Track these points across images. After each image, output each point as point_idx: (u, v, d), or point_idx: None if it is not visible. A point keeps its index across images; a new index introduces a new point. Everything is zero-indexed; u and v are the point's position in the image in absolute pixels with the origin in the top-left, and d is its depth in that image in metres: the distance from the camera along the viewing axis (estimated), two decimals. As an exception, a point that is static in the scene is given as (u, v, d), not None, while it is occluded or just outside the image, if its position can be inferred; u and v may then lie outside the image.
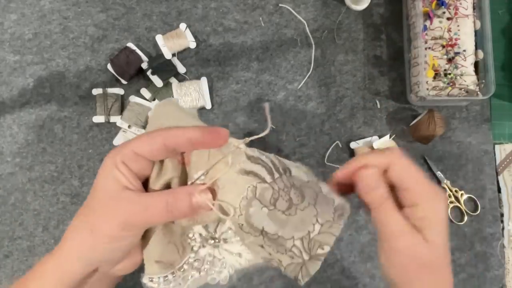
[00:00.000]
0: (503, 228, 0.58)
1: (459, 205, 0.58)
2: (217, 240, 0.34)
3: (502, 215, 0.59)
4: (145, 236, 0.34)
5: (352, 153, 0.58)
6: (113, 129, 0.57)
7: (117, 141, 0.56)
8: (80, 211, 0.34)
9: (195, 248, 0.34)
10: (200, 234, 0.34)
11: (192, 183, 0.33)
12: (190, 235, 0.34)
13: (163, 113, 0.35)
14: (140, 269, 0.34)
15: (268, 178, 0.31)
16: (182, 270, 0.34)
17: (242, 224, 0.31)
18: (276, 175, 0.32)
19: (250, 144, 0.33)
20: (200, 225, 0.33)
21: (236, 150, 0.32)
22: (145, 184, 0.34)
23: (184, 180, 0.34)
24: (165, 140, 0.32)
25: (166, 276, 0.33)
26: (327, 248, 0.31)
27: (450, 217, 0.58)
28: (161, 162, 0.33)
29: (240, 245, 0.34)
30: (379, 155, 0.33)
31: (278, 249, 0.32)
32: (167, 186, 0.33)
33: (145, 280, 0.33)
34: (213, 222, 0.33)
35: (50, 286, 0.34)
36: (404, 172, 0.33)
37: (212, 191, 0.32)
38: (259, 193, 0.31)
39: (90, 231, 0.33)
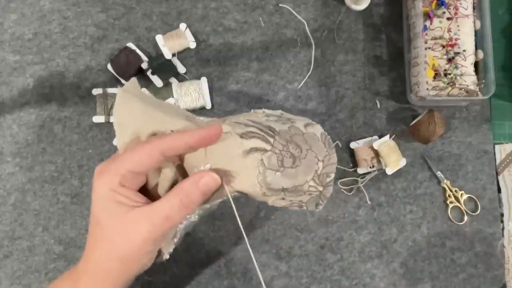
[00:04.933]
0: (503, 228, 0.58)
1: (459, 205, 0.58)
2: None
3: (502, 215, 0.59)
4: None
5: (352, 153, 0.58)
6: (113, 129, 0.57)
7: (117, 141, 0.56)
8: (94, 240, 0.34)
9: None
10: None
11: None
12: None
13: (129, 105, 0.36)
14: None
15: (267, 146, 0.35)
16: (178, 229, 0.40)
17: (265, 192, 0.36)
18: (271, 139, 0.36)
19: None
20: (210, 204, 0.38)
21: (229, 136, 0.35)
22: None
23: (184, 174, 0.36)
24: (163, 151, 0.33)
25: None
26: (332, 175, 0.38)
27: (450, 216, 0.58)
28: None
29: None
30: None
31: (298, 194, 0.37)
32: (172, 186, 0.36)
33: (167, 255, 0.39)
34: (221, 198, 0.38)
35: None
36: None
37: (222, 177, 0.36)
38: (267, 163, 0.35)
39: (119, 260, 0.33)
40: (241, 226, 0.36)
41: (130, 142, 0.36)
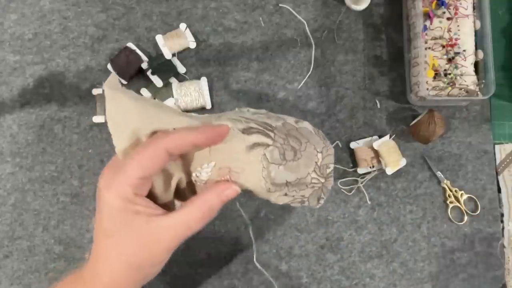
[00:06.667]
0: (503, 228, 0.58)
1: (459, 205, 0.58)
2: None
3: (502, 215, 0.59)
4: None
5: (352, 153, 0.58)
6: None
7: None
8: (106, 252, 0.33)
9: None
10: None
11: (199, 175, 0.36)
12: None
13: (121, 104, 0.35)
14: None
15: (269, 141, 0.36)
16: None
17: (270, 188, 0.36)
18: (271, 134, 0.36)
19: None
20: None
21: (232, 132, 0.35)
22: None
23: (186, 170, 0.36)
24: (170, 150, 0.32)
25: None
26: (332, 166, 0.39)
27: (450, 216, 0.58)
28: None
29: None
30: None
31: (301, 188, 0.38)
32: (177, 185, 0.36)
33: None
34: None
35: None
36: None
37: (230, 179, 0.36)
38: (270, 157, 0.35)
39: (137, 269, 0.33)
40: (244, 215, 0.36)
41: (130, 145, 0.34)
